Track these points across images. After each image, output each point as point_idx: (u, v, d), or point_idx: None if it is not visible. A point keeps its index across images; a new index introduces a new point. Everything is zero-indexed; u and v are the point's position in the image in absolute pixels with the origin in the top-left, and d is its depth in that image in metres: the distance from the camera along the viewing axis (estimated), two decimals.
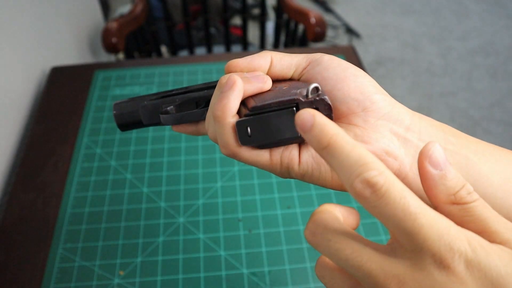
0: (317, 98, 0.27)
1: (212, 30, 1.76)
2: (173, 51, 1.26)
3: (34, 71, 0.84)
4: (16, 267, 0.55)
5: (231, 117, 0.28)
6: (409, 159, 0.27)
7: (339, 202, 0.61)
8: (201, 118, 0.34)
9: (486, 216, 0.20)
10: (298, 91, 0.28)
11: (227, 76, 0.29)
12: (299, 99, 0.27)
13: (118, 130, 0.71)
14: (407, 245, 0.19)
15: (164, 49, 1.69)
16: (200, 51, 1.46)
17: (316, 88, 0.27)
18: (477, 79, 2.03)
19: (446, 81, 2.01)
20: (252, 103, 0.28)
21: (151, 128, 0.72)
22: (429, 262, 0.19)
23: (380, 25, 2.32)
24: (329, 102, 0.28)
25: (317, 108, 0.28)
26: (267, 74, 0.31)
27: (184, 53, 1.47)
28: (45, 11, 0.93)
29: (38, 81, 0.85)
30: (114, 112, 0.37)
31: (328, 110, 0.28)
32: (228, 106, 0.27)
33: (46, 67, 0.88)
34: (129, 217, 0.60)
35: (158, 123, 0.37)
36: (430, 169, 0.21)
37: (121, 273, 0.54)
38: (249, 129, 0.27)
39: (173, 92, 0.37)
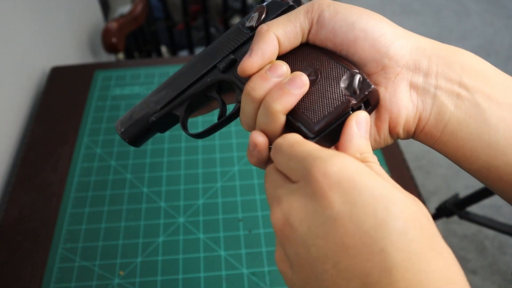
0: (367, 93, 0.27)
1: (212, 30, 1.76)
2: (173, 51, 1.26)
3: (34, 71, 0.84)
4: (16, 267, 0.55)
5: (265, 165, 0.29)
6: (426, 112, 0.28)
7: None
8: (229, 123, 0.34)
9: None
10: (342, 87, 0.27)
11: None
12: (352, 103, 0.27)
13: None
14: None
15: (164, 49, 1.69)
16: (200, 51, 1.46)
17: (360, 79, 0.27)
18: None
19: None
20: (307, 121, 0.27)
21: None
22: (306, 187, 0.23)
23: None
24: (377, 89, 0.28)
25: (368, 100, 0.27)
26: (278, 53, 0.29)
27: (184, 53, 1.47)
28: (45, 11, 0.93)
29: (38, 81, 0.85)
30: (127, 140, 0.36)
31: (376, 97, 0.28)
32: (258, 162, 0.29)
33: (46, 67, 0.88)
34: (129, 217, 0.60)
35: (173, 125, 0.36)
36: (354, 127, 0.26)
37: (121, 273, 0.54)
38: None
39: (173, 91, 0.35)
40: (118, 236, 0.58)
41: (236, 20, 2.31)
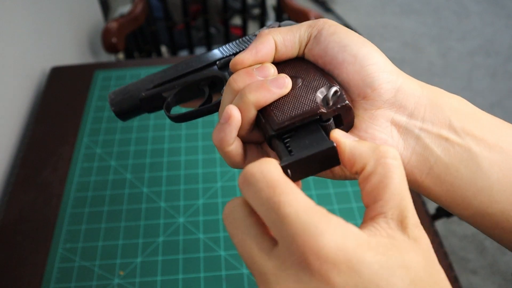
0: (339, 106, 0.26)
1: (212, 30, 1.76)
2: (173, 51, 1.26)
3: (34, 71, 0.84)
4: (16, 267, 0.55)
5: (229, 146, 0.27)
6: (407, 152, 0.27)
7: (339, 201, 0.61)
8: (210, 113, 0.34)
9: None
10: (317, 96, 0.27)
11: (225, 106, 0.27)
12: (321, 111, 0.26)
13: (118, 130, 0.71)
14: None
15: (164, 49, 1.69)
16: (200, 51, 1.46)
17: (336, 92, 0.26)
18: (477, 79, 2.03)
19: (446, 81, 2.01)
20: (273, 118, 0.27)
21: (151, 128, 0.72)
22: (294, 262, 0.19)
23: (380, 25, 2.32)
24: (351, 105, 0.27)
25: (339, 115, 0.27)
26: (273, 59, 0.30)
27: (184, 53, 1.47)
28: (45, 11, 0.93)
29: (38, 81, 0.85)
30: (113, 109, 0.36)
31: (350, 115, 0.27)
32: (225, 139, 0.27)
33: (46, 67, 0.88)
34: (129, 217, 0.60)
35: (160, 108, 0.37)
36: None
37: (121, 273, 0.54)
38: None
39: (169, 75, 0.35)
40: (118, 236, 0.58)
41: (236, 20, 2.31)
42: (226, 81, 0.32)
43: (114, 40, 0.97)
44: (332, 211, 0.60)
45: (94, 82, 0.80)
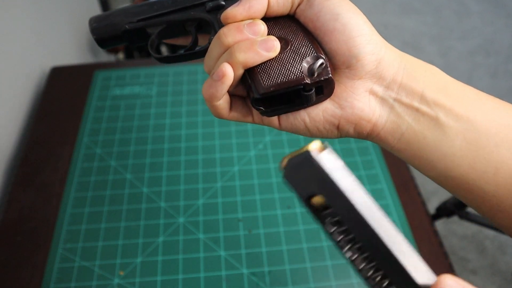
0: (322, 79, 0.28)
1: None
2: (173, 51, 1.26)
3: (34, 71, 0.84)
4: (16, 267, 0.55)
5: (218, 101, 0.29)
6: (382, 119, 0.29)
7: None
8: (198, 57, 0.34)
9: None
10: (303, 65, 0.28)
11: (219, 64, 0.28)
12: (306, 82, 0.28)
13: (118, 130, 0.71)
14: None
15: (164, 49, 1.69)
16: None
17: (321, 64, 0.28)
18: (477, 79, 2.03)
19: None
20: (259, 81, 0.28)
21: (151, 128, 0.72)
22: None
23: (380, 24, 2.32)
24: (333, 79, 0.28)
25: (321, 87, 0.28)
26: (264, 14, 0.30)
27: None
28: (45, 11, 0.93)
29: (38, 81, 0.85)
30: (94, 36, 0.35)
31: (331, 87, 0.29)
32: (215, 95, 0.29)
33: (46, 67, 0.88)
34: (129, 217, 0.60)
35: (143, 42, 0.36)
36: None
37: (121, 273, 0.54)
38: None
39: (155, 9, 0.34)
40: (118, 236, 0.58)
41: None
42: (214, 27, 0.32)
43: None
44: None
45: (94, 82, 0.80)
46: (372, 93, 0.29)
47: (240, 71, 0.28)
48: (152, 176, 0.65)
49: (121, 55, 1.47)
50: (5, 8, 0.74)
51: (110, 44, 0.36)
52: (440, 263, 0.56)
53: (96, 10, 1.37)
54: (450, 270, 0.56)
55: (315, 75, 0.28)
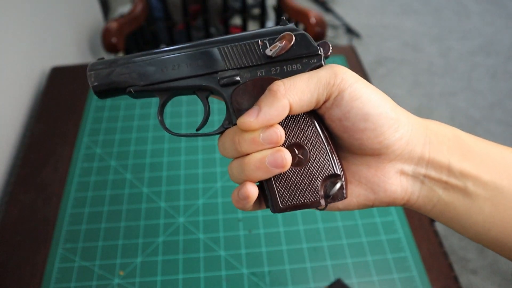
0: (338, 199, 0.30)
1: (212, 30, 1.75)
2: None
3: (34, 71, 0.84)
4: (16, 267, 0.55)
5: (248, 209, 0.31)
6: (415, 195, 0.30)
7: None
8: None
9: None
10: (321, 184, 0.29)
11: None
12: (321, 205, 0.29)
13: (118, 130, 0.71)
14: None
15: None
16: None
17: (340, 187, 0.30)
18: (477, 79, 2.03)
19: (446, 81, 2.01)
20: (276, 198, 0.30)
21: (151, 128, 0.72)
22: None
23: (380, 25, 2.32)
24: (347, 196, 0.31)
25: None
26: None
27: None
28: (45, 11, 0.93)
29: (38, 81, 0.85)
30: (93, 90, 0.33)
31: (342, 198, 0.30)
32: (245, 208, 0.30)
33: (46, 67, 0.88)
34: (129, 217, 0.60)
35: (149, 97, 0.35)
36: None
37: (121, 273, 0.54)
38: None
39: (164, 76, 0.32)
40: (118, 236, 0.58)
41: (236, 20, 2.31)
42: (227, 105, 0.31)
43: (114, 40, 0.97)
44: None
45: None
46: (403, 173, 0.30)
47: (255, 181, 0.29)
48: (152, 176, 0.65)
49: (121, 55, 1.47)
50: (5, 8, 0.74)
51: (109, 96, 0.35)
52: (440, 263, 0.56)
53: (96, 10, 1.37)
54: (450, 270, 0.56)
55: (331, 198, 0.29)
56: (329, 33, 2.30)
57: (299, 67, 0.30)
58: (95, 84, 0.33)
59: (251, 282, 0.54)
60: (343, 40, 2.24)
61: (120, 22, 1.01)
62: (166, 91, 0.32)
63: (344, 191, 0.29)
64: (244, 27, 1.25)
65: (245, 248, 0.57)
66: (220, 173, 0.65)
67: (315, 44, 0.30)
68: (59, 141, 0.70)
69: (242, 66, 0.31)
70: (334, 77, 0.28)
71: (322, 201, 0.29)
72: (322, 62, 0.30)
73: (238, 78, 0.31)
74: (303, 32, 0.30)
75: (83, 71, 0.82)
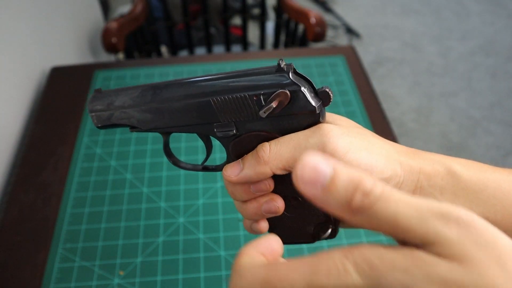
0: (328, 239, 0.33)
1: (212, 30, 1.76)
2: (173, 51, 1.26)
3: (34, 71, 0.84)
4: (16, 267, 0.55)
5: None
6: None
7: None
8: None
9: (394, 214, 0.18)
10: (312, 229, 0.32)
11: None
12: (312, 242, 0.33)
13: (118, 130, 0.71)
14: None
15: (164, 49, 1.69)
16: (200, 51, 1.46)
17: (332, 232, 0.32)
18: (477, 79, 2.03)
19: (446, 81, 2.01)
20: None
21: None
22: None
23: (380, 25, 2.32)
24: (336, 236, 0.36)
25: None
26: None
27: (184, 53, 1.47)
28: (45, 11, 0.93)
29: (38, 81, 0.85)
30: (95, 125, 0.35)
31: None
32: (260, 219, 0.34)
33: (46, 67, 0.88)
34: (129, 217, 0.60)
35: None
36: (310, 190, 0.19)
37: (121, 273, 0.54)
38: None
39: (165, 123, 0.33)
40: (118, 236, 0.58)
41: (236, 20, 2.31)
42: (228, 152, 0.32)
43: (114, 40, 0.97)
44: None
45: (94, 82, 0.80)
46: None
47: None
48: (152, 176, 0.65)
49: (121, 55, 1.47)
50: (5, 8, 0.74)
51: (112, 128, 0.39)
52: None
53: (96, 10, 1.37)
54: None
55: (321, 238, 0.32)
56: (329, 33, 2.30)
57: (295, 123, 0.29)
58: (99, 125, 0.36)
59: None
60: (343, 40, 2.24)
61: (120, 22, 1.01)
62: (167, 133, 0.35)
63: (335, 234, 0.32)
64: (244, 27, 1.25)
65: None
66: (220, 173, 0.65)
67: (312, 102, 0.29)
68: (59, 141, 0.70)
69: (237, 120, 0.31)
70: (323, 147, 0.27)
71: (314, 240, 0.32)
72: (320, 119, 0.29)
73: (234, 132, 0.31)
74: (300, 88, 0.29)
75: (83, 71, 0.82)
